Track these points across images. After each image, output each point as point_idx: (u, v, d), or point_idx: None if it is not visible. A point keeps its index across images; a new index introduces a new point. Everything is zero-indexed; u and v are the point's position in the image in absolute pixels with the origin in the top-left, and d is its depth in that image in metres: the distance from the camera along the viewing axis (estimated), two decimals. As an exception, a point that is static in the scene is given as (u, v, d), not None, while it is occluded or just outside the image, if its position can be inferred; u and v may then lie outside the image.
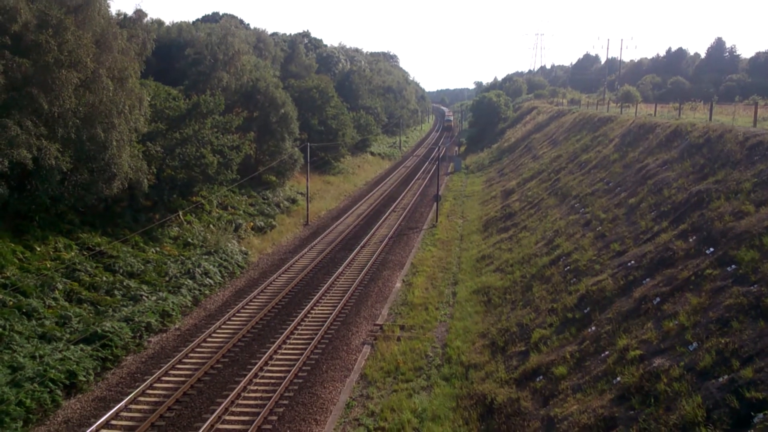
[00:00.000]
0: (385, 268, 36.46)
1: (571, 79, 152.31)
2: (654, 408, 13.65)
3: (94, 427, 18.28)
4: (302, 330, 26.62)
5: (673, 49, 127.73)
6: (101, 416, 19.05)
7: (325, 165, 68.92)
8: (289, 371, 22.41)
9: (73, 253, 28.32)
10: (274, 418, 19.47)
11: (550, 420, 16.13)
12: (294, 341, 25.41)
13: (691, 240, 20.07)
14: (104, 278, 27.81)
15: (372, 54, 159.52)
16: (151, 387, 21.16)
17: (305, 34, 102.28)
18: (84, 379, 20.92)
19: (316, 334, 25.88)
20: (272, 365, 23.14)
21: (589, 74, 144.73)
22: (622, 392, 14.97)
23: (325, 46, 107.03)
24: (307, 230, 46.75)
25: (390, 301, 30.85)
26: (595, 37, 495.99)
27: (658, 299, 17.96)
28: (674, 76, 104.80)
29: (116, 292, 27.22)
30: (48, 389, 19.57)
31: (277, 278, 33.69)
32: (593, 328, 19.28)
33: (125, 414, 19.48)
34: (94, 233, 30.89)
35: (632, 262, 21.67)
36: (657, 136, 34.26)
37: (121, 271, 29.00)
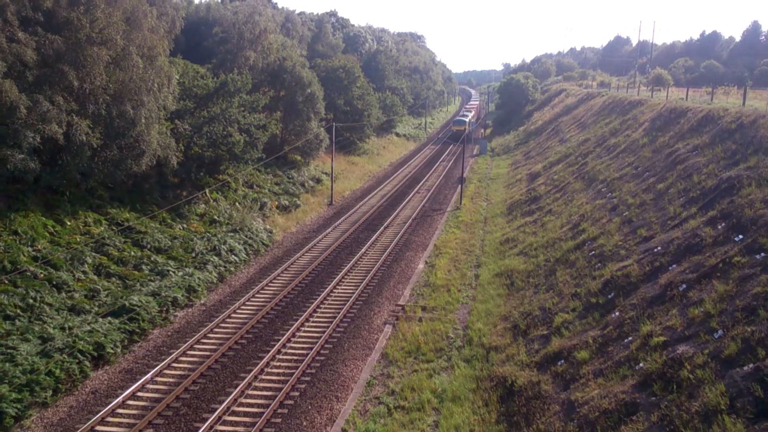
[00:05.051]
0: (408, 249, 36.52)
1: (602, 62, 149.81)
2: (676, 395, 13.59)
3: (120, 398, 18.70)
4: (325, 308, 26.85)
5: (708, 32, 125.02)
6: (128, 387, 19.50)
7: (350, 145, 68.94)
8: (311, 348, 22.67)
9: (102, 228, 28.80)
10: (296, 394, 19.75)
11: (570, 404, 16.15)
12: (316, 319, 25.65)
13: (719, 227, 19.79)
14: (132, 253, 28.28)
15: (399, 34, 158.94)
16: (176, 360, 21.56)
17: (332, 14, 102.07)
18: (111, 351, 21.38)
19: (339, 312, 26.08)
20: (295, 342, 23.41)
21: (619, 57, 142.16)
22: (644, 378, 14.92)
23: (352, 26, 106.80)
24: (331, 210, 46.94)
25: (412, 282, 30.94)
26: (626, 18, 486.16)
27: (684, 286, 17.79)
28: (708, 59, 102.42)
29: (144, 266, 27.67)
30: (77, 360, 20.06)
31: (300, 257, 33.95)
32: (617, 313, 19.18)
33: (151, 386, 19.90)
34: (123, 209, 31.38)
35: (659, 248, 21.45)
36: (688, 121, 33.69)
37: (148, 246, 29.48)
